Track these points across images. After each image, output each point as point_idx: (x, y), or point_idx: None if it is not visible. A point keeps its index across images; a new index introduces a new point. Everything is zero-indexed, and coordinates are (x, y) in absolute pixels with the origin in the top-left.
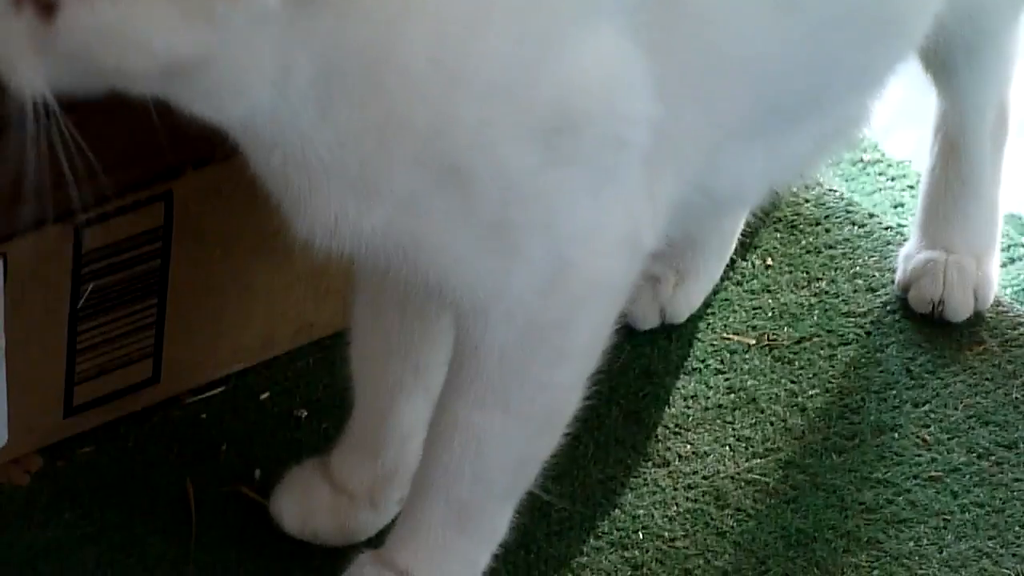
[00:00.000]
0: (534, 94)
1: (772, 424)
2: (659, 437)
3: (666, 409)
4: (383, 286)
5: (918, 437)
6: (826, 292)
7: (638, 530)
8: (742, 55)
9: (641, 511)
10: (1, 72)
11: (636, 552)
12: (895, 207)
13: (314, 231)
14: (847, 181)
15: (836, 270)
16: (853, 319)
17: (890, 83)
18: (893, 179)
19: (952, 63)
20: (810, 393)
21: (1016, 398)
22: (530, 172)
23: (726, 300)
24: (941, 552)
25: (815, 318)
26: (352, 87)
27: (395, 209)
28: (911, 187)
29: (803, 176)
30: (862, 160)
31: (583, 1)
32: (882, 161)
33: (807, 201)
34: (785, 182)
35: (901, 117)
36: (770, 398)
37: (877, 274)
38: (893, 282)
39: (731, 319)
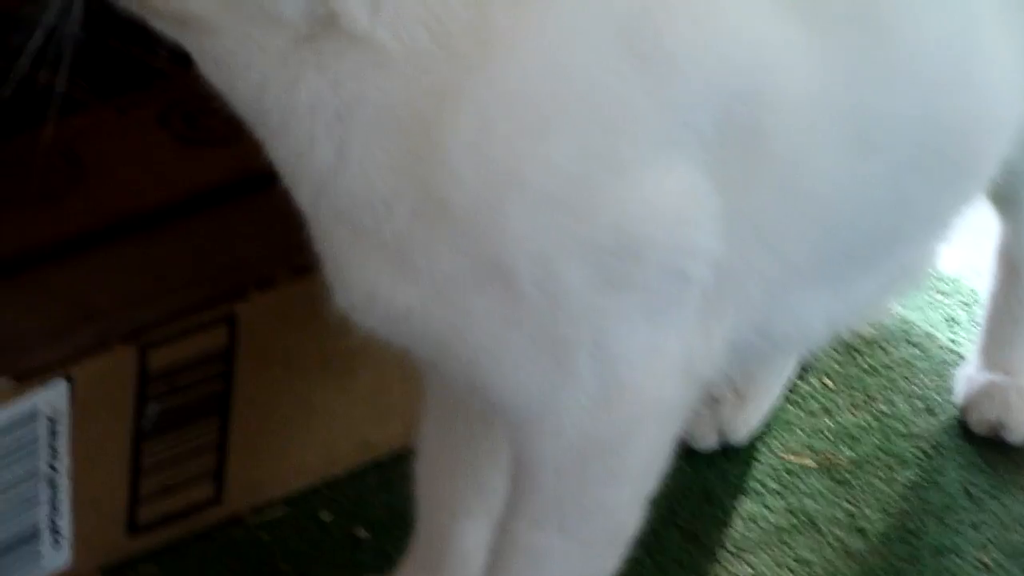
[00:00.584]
0: (594, 214)
1: (832, 547)
2: (719, 559)
3: (725, 531)
4: (450, 401)
5: (978, 560)
6: (885, 413)
7: None
8: (817, 197)
9: None
10: None
11: None
12: (948, 323)
13: (352, 302)
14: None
15: (894, 391)
16: (912, 440)
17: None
18: (946, 294)
19: (1016, 195)
20: (869, 515)
21: None
22: (582, 291)
23: (785, 421)
24: None
25: (874, 439)
26: (374, 140)
27: (432, 292)
28: (964, 303)
29: (865, 318)
30: None
31: (661, 130)
32: (934, 276)
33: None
34: (847, 324)
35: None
36: (829, 520)
37: (935, 395)
38: (951, 403)
39: (790, 440)
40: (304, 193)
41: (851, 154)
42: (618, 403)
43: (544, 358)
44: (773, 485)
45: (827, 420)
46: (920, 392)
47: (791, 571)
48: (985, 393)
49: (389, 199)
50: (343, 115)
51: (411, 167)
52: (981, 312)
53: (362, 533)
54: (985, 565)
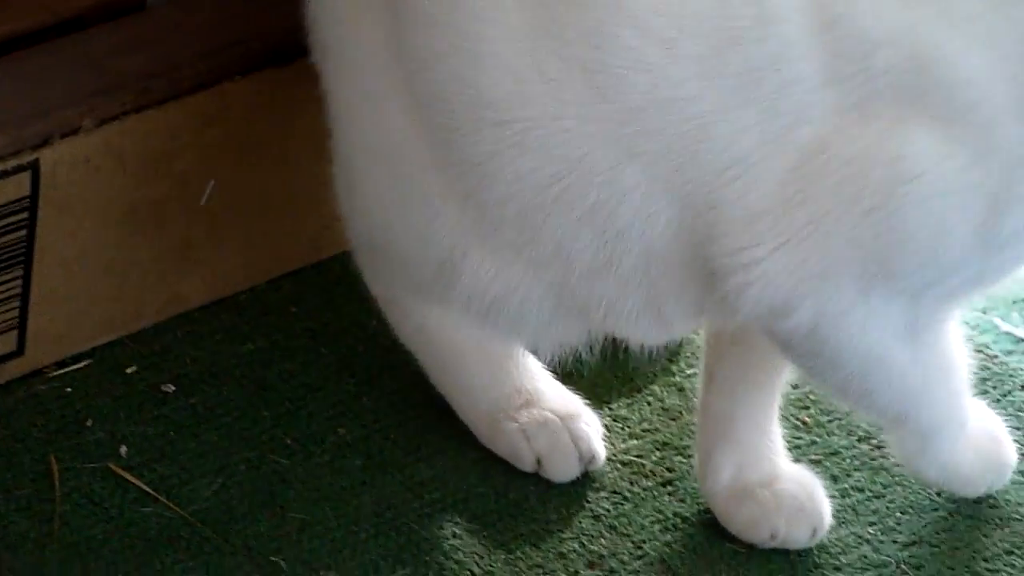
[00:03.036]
0: None
1: (649, 404)
2: None
3: None
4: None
5: (798, 419)
6: None
7: (515, 515)
8: None
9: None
10: None
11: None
12: None
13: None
14: None
15: None
16: None
17: None
18: None
19: None
20: (688, 373)
21: None
22: None
23: None
24: None
25: None
26: None
27: None
28: None
29: None
30: None
31: None
32: None
33: None
34: None
35: None
36: (646, 377)
37: None
38: None
39: None
40: None
41: None
42: None
43: None
44: None
45: None
46: None
47: (608, 429)
48: None
49: None
50: None
51: None
52: None
53: (168, 387)
54: (804, 424)
